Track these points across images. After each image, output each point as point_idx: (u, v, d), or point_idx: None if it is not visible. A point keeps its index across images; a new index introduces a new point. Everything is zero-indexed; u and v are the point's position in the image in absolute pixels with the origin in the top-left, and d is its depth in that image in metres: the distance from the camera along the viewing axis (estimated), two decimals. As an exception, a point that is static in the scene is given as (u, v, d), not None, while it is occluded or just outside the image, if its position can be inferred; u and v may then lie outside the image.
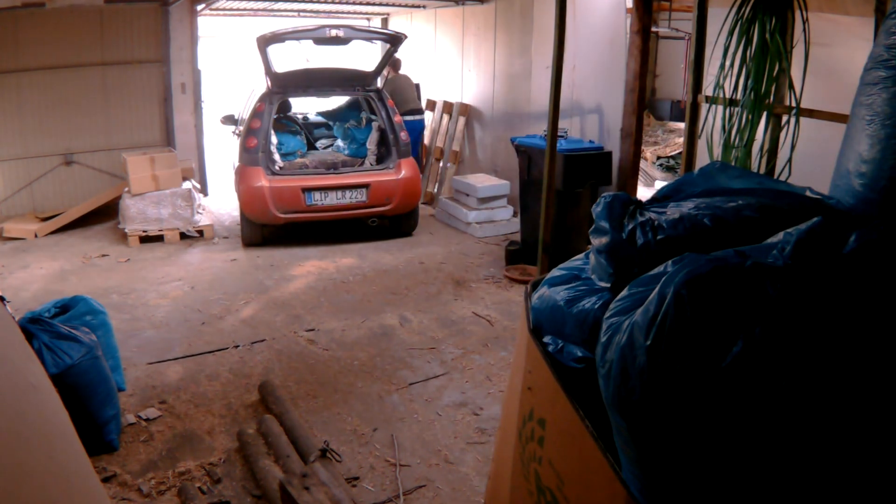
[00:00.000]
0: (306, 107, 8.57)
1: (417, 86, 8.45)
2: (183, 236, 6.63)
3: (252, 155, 6.20)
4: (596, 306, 1.48)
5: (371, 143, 7.01)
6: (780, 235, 1.12)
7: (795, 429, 0.93)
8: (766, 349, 0.94)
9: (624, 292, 1.24)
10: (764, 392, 0.94)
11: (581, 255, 1.72)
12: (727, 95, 3.29)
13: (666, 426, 1.01)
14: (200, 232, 6.69)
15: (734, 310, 0.99)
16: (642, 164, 7.93)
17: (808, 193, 1.48)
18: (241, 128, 6.91)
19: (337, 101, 8.36)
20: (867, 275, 0.98)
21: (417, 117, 8.04)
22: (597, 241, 1.51)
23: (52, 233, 6.82)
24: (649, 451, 1.05)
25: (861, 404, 0.92)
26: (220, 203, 8.03)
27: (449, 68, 8.33)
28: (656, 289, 1.07)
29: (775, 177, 3.22)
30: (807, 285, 0.98)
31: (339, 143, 7.51)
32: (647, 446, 1.05)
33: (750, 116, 3.21)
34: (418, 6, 8.64)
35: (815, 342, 0.94)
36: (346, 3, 8.53)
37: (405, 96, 7.94)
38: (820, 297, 0.97)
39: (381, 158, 6.79)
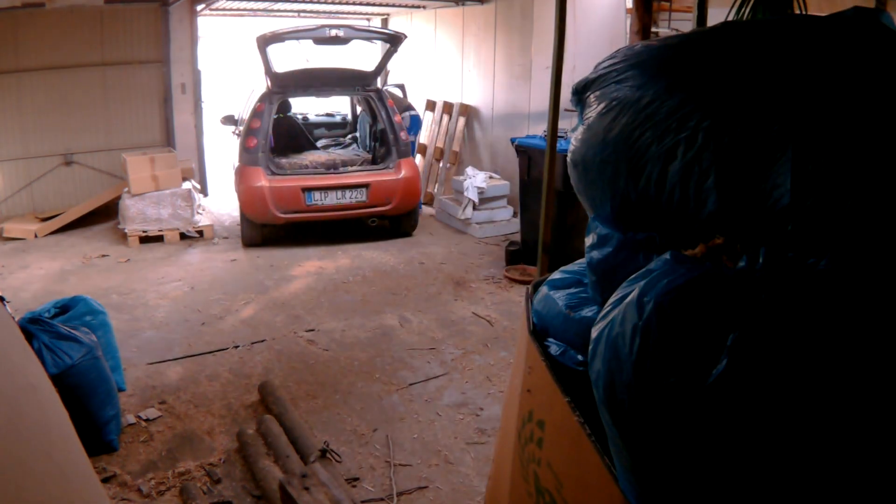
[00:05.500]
0: (306, 107, 8.60)
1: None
2: (183, 236, 6.62)
3: (252, 155, 6.20)
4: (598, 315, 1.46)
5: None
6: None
7: (788, 441, 0.91)
8: (753, 361, 0.92)
9: (611, 299, 1.21)
10: (752, 406, 0.92)
11: (583, 259, 1.71)
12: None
13: (657, 438, 0.99)
14: (200, 232, 6.69)
15: (717, 320, 0.96)
16: (642, 164, 7.92)
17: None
18: (241, 128, 6.92)
19: (341, 100, 8.44)
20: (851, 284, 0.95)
21: None
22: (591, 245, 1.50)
23: (52, 233, 6.82)
24: (642, 461, 1.04)
25: (851, 416, 0.90)
26: (220, 203, 8.03)
27: (449, 68, 8.33)
28: (635, 299, 1.04)
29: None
30: (792, 294, 0.95)
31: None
32: (639, 456, 1.04)
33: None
34: (418, 6, 8.64)
35: (801, 351, 0.92)
36: (346, 3, 8.53)
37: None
38: (805, 304, 0.94)
39: (381, 158, 6.80)
